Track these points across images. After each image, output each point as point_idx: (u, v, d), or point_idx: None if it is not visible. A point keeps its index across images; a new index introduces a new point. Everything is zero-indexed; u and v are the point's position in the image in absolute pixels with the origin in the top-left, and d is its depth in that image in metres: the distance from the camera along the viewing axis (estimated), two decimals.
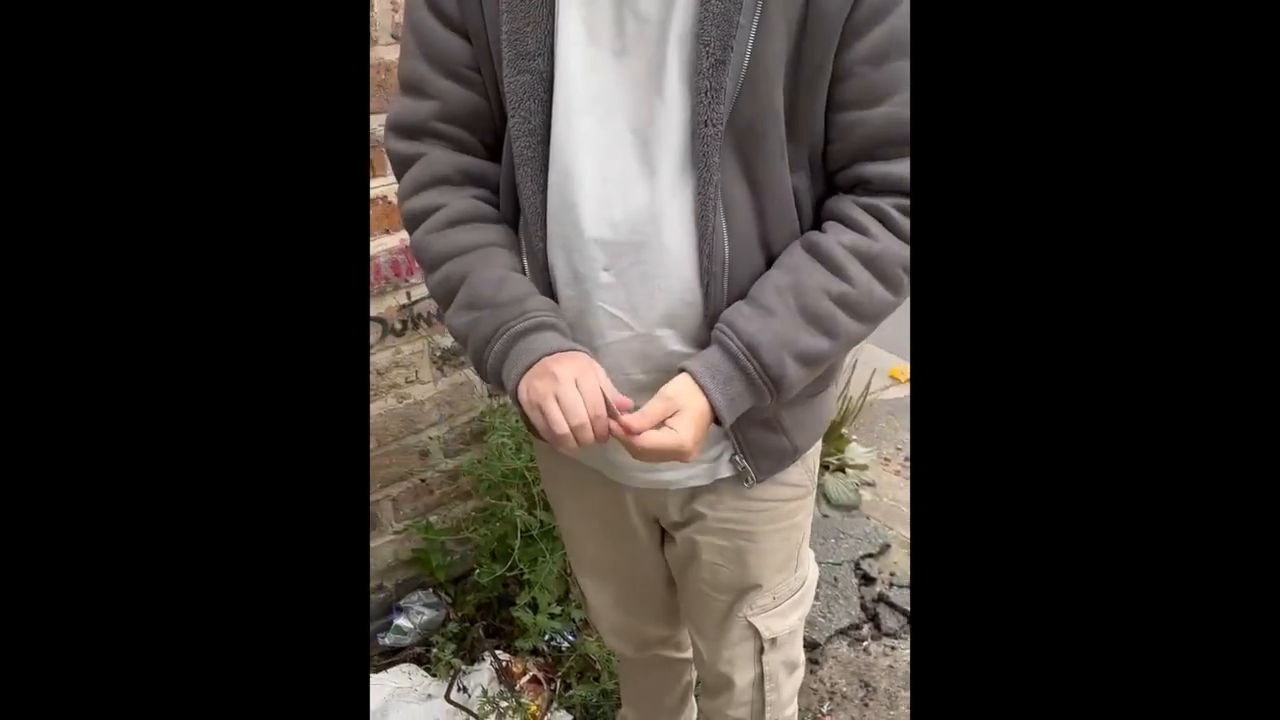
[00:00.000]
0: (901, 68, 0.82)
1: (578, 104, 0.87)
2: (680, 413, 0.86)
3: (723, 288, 0.89)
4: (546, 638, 1.85)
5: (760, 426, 1.00)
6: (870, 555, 2.16)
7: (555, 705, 1.77)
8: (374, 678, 1.81)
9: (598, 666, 1.81)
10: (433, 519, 1.90)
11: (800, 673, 1.29)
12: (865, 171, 0.87)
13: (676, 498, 1.08)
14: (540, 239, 0.93)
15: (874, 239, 0.86)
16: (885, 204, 0.86)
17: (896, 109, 0.83)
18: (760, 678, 1.22)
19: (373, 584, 1.88)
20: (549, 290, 0.95)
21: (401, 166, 0.98)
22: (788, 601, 1.19)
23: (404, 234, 1.59)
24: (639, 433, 0.85)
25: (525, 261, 0.97)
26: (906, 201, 0.86)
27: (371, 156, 1.51)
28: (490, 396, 1.89)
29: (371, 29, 1.42)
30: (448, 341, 1.76)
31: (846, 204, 0.89)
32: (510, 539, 1.75)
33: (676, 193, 0.86)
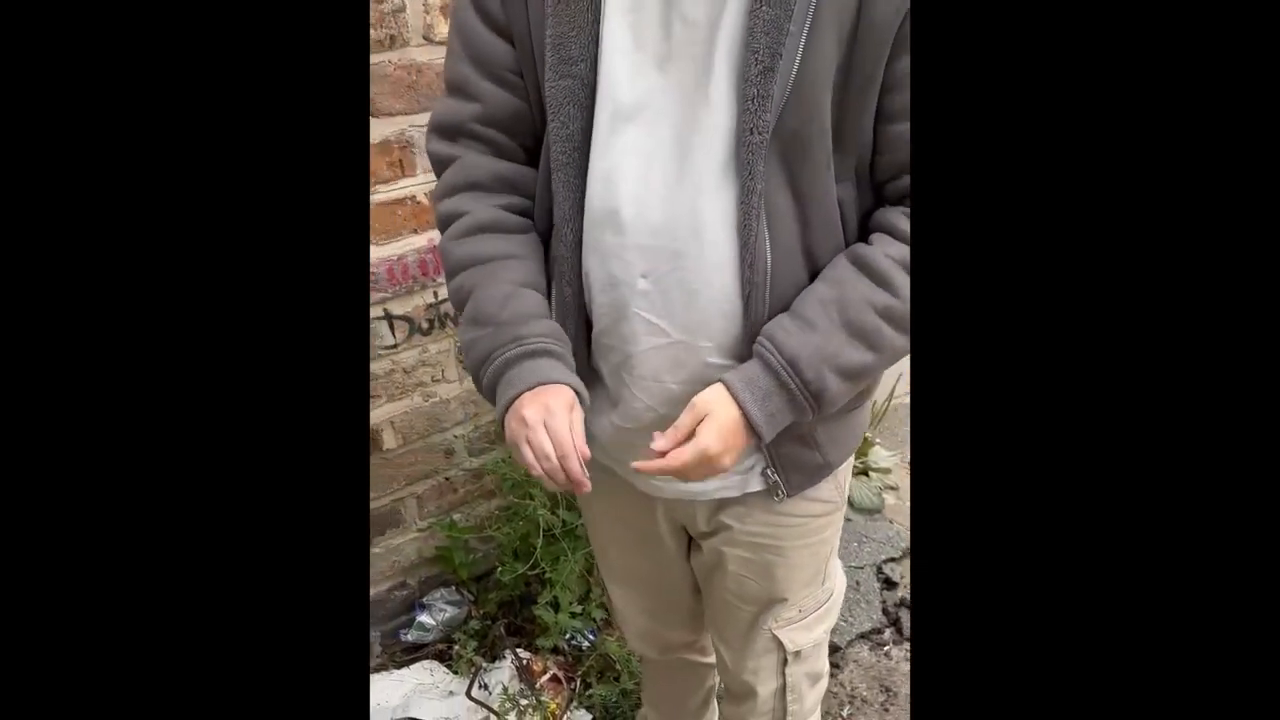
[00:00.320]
0: None
1: (621, 110, 0.87)
2: (706, 419, 0.86)
3: (764, 299, 0.88)
4: (567, 636, 1.86)
5: (794, 441, 0.99)
6: (893, 559, 2.15)
7: (575, 704, 1.78)
8: (396, 673, 1.83)
9: (617, 666, 1.81)
10: (456, 517, 1.91)
11: (824, 683, 1.28)
12: None
13: (705, 508, 1.07)
14: (572, 245, 0.93)
15: None
16: None
17: None
18: (783, 689, 1.21)
19: (396, 581, 1.90)
20: (582, 296, 0.95)
21: (440, 167, 0.99)
22: (813, 615, 1.17)
23: (432, 233, 1.60)
24: (664, 453, 0.85)
25: (554, 268, 0.96)
26: None
27: (401, 157, 1.52)
28: None
29: (404, 30, 1.43)
30: None
31: (894, 215, 0.88)
32: (532, 538, 1.76)
33: (718, 201, 0.85)
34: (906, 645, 1.96)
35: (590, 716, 1.77)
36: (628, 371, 0.95)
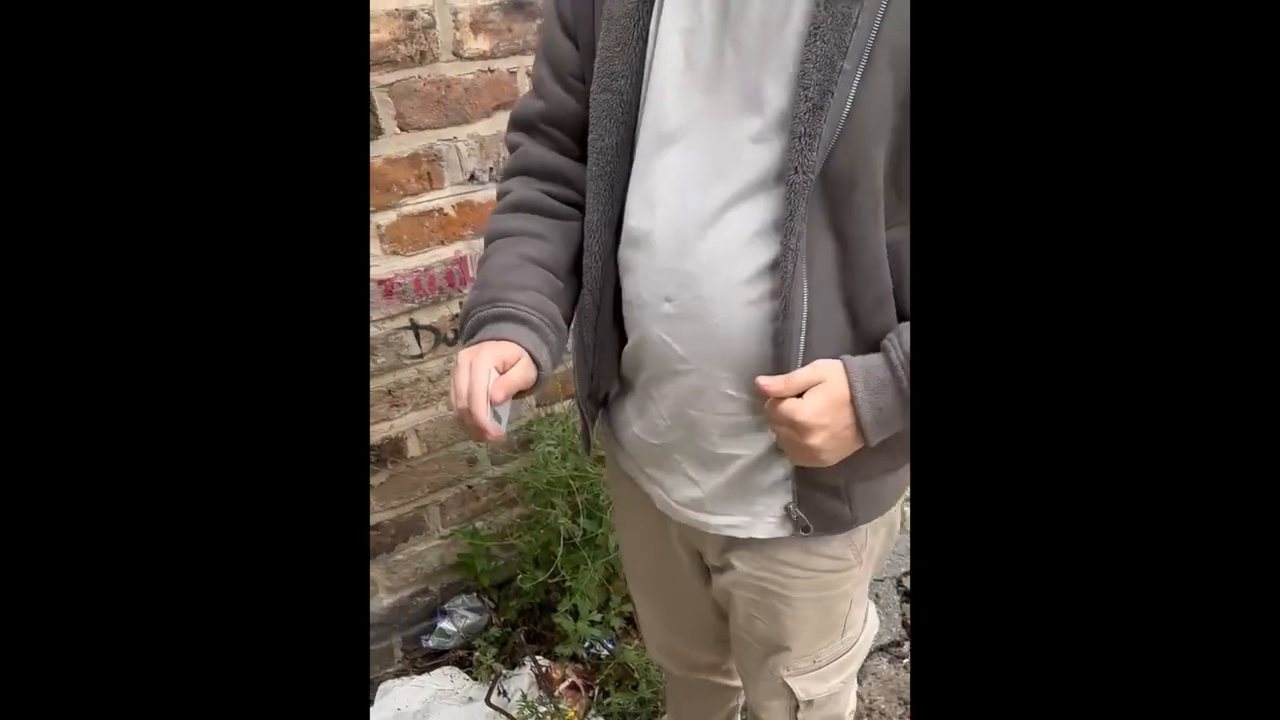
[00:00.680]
0: None
1: (664, 131, 0.86)
2: (821, 385, 0.82)
3: (798, 346, 0.83)
4: (586, 645, 1.87)
5: (825, 492, 0.94)
6: None
7: (593, 712, 1.79)
8: (416, 679, 1.85)
9: (636, 675, 1.82)
10: (478, 525, 1.93)
11: None
12: None
13: (714, 542, 1.05)
14: (598, 256, 0.94)
15: None
16: None
17: None
18: None
19: (418, 587, 1.92)
20: (606, 306, 0.96)
21: (509, 154, 1.04)
22: (829, 665, 1.11)
23: (458, 246, 1.63)
24: (767, 395, 0.82)
25: (583, 276, 0.97)
26: None
27: (429, 170, 1.55)
28: (538, 406, 1.92)
29: (433, 46, 1.46)
30: None
31: None
32: (553, 546, 1.77)
33: (753, 237, 0.82)
34: None
35: None
36: (654, 387, 0.96)
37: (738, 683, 1.37)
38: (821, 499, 0.94)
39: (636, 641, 1.87)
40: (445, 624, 1.92)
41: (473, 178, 1.61)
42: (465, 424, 0.86)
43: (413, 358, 1.68)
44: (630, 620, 1.87)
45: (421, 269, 1.62)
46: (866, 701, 1.87)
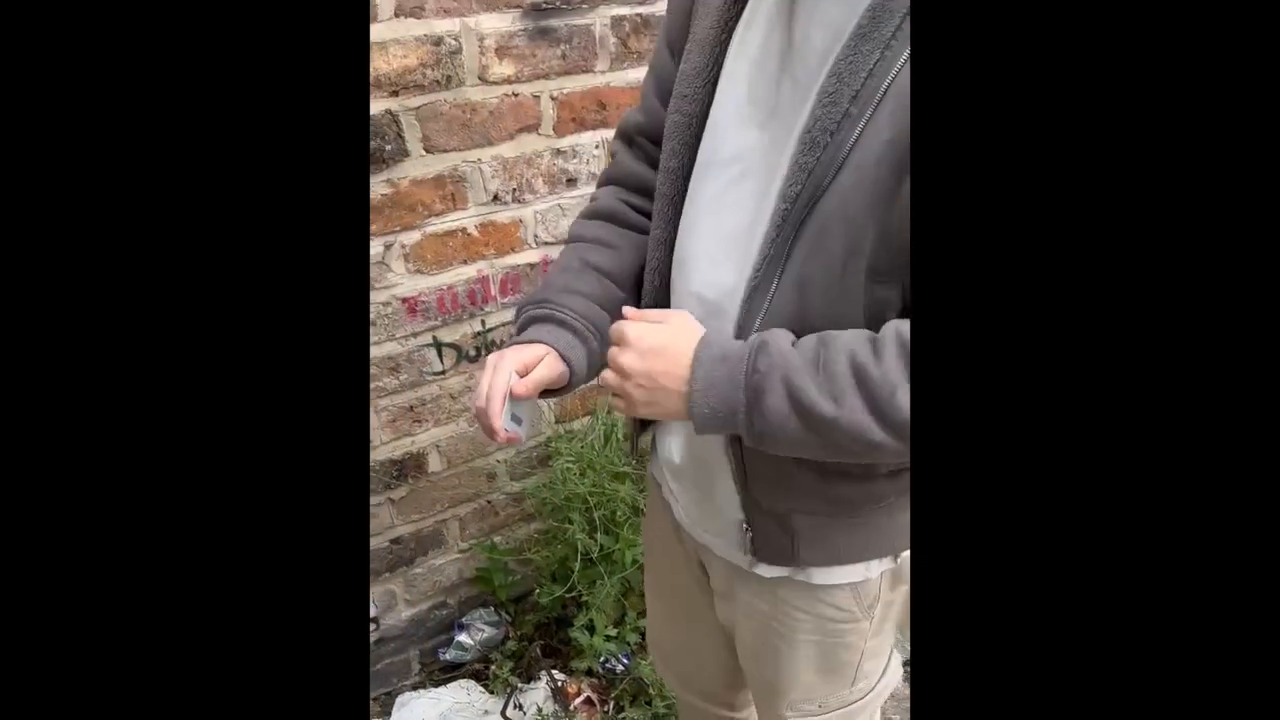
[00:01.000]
0: None
1: (717, 159, 0.86)
2: (662, 324, 0.83)
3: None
4: (602, 660, 1.88)
5: (766, 517, 0.92)
6: None
7: None
8: (433, 692, 1.87)
9: (650, 690, 1.83)
10: (497, 539, 1.96)
11: None
12: None
13: (721, 565, 1.04)
14: (654, 270, 0.95)
15: None
16: None
17: None
18: None
19: (436, 600, 1.94)
20: None
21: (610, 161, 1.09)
22: (836, 712, 1.07)
23: (480, 265, 1.67)
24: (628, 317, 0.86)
25: (645, 280, 0.97)
26: None
27: (453, 191, 1.59)
28: (557, 423, 1.95)
29: (459, 71, 1.50)
30: None
31: None
32: (570, 561, 1.80)
33: (758, 268, 0.80)
34: None
35: None
36: None
37: (742, 715, 1.37)
38: (764, 522, 0.93)
39: (651, 656, 1.88)
40: (463, 637, 1.94)
41: (495, 198, 1.64)
42: (482, 423, 0.89)
43: (435, 374, 1.71)
44: (645, 636, 1.89)
45: (444, 287, 1.65)
46: (879, 716, 1.87)
